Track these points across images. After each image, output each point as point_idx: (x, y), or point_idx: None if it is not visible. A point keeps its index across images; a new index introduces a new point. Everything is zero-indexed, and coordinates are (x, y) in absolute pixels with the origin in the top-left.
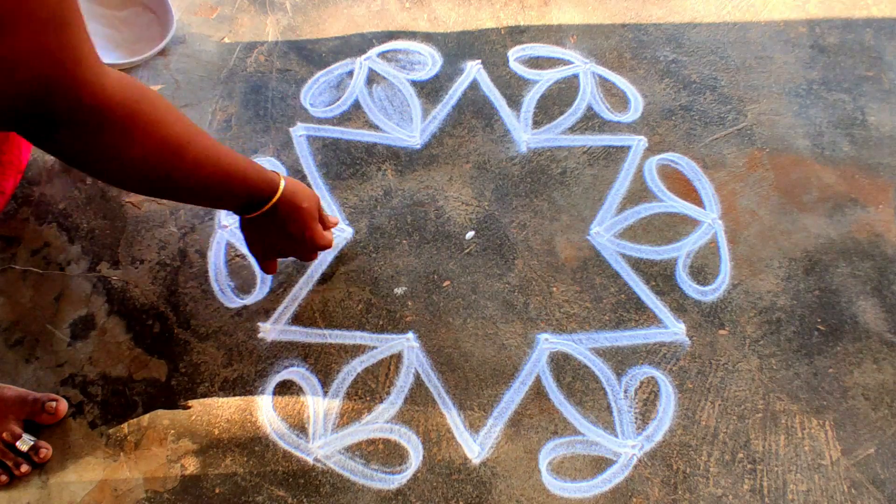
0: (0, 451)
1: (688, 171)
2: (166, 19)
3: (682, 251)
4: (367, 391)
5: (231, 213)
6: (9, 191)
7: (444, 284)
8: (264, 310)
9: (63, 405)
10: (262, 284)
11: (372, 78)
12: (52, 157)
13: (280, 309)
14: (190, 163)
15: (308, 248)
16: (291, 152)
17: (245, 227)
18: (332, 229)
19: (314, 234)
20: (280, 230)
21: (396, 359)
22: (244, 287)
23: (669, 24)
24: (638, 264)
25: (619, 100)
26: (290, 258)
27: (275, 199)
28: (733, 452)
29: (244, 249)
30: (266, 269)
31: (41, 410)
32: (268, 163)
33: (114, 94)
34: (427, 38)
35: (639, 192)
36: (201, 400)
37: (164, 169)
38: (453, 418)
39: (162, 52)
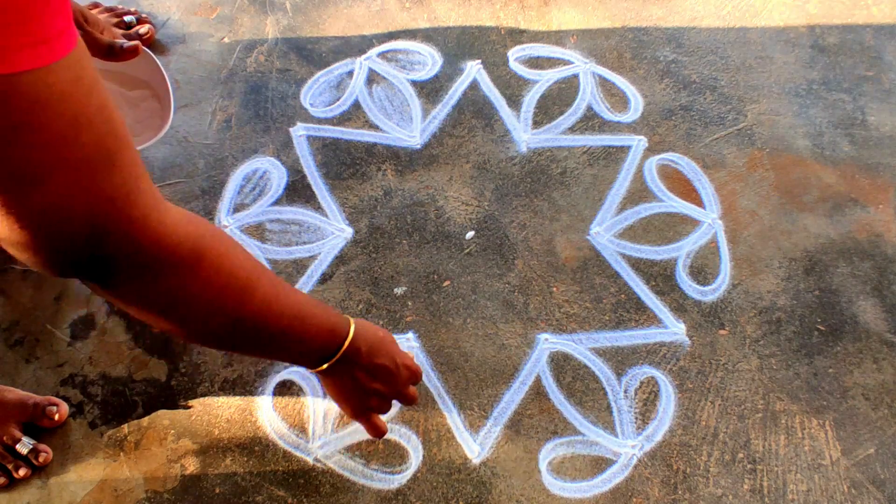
0: None
1: (688, 171)
2: (167, 110)
3: (682, 251)
4: None
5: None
6: None
7: (444, 284)
8: None
9: (64, 410)
10: None
11: (372, 78)
12: None
13: None
14: (259, 301)
15: (390, 398)
16: (291, 152)
17: (325, 384)
18: (331, 230)
19: (385, 385)
20: (356, 382)
21: None
22: None
23: (669, 24)
24: (638, 264)
25: (619, 100)
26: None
27: (344, 348)
28: (733, 452)
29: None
30: (371, 430)
31: (42, 415)
32: (268, 163)
33: (175, 231)
34: (427, 38)
35: (639, 192)
36: (201, 400)
37: (233, 309)
38: (453, 418)
39: (162, 52)
